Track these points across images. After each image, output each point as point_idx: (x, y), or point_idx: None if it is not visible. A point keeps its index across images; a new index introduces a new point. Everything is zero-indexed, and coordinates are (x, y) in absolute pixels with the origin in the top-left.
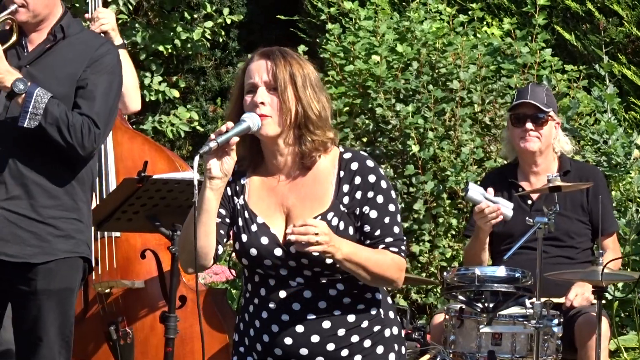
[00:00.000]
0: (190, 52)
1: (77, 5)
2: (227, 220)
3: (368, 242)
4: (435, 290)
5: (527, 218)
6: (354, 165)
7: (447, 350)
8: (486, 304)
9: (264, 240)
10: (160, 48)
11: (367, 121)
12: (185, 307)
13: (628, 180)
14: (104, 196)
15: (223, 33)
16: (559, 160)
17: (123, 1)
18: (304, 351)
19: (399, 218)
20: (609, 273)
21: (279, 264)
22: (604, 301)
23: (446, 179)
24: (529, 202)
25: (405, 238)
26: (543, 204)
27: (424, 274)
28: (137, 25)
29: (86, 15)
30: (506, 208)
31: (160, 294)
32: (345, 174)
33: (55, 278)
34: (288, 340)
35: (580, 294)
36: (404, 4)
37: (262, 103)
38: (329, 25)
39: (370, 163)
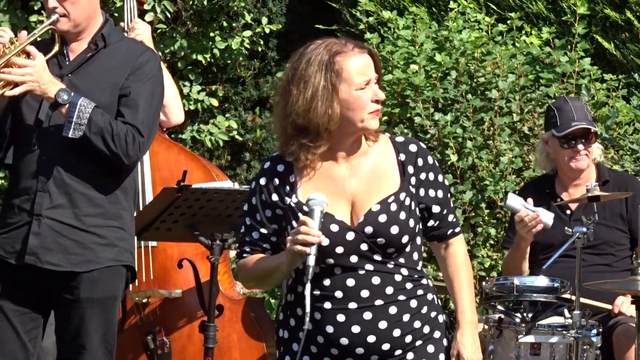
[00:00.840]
0: (228, 62)
1: (116, 15)
2: (265, 230)
3: (432, 222)
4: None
5: (566, 228)
6: (413, 148)
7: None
8: (525, 314)
9: (334, 227)
10: (199, 57)
11: (405, 130)
12: (222, 317)
13: None
14: (141, 206)
15: (262, 42)
16: (597, 169)
17: (160, 9)
18: (371, 338)
19: (451, 202)
20: None
21: (350, 250)
22: None
23: (485, 189)
24: (568, 212)
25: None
26: (582, 213)
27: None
28: (175, 34)
29: (121, 24)
30: (546, 217)
31: (197, 303)
32: (407, 156)
33: (98, 286)
34: (355, 329)
35: (627, 301)
36: (442, 13)
37: (381, 97)
38: (368, 35)
39: (423, 145)
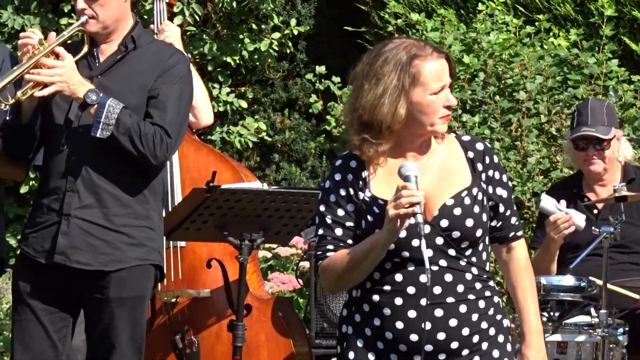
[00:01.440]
0: (257, 64)
1: (146, 17)
2: (349, 223)
3: (495, 222)
4: (502, 299)
5: (593, 228)
6: (480, 146)
7: (514, 359)
8: (552, 313)
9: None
10: (228, 59)
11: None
12: (251, 316)
13: None
14: (170, 207)
15: (290, 44)
16: (623, 169)
17: (189, 12)
18: (441, 336)
19: (513, 201)
20: None
21: (426, 243)
22: None
23: (512, 189)
24: (595, 211)
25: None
26: (609, 213)
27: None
28: (205, 36)
29: (151, 26)
30: (578, 219)
31: (226, 302)
32: (475, 154)
33: (127, 286)
34: (427, 325)
35: None
36: (470, 15)
37: (454, 103)
38: (396, 36)
39: (487, 145)
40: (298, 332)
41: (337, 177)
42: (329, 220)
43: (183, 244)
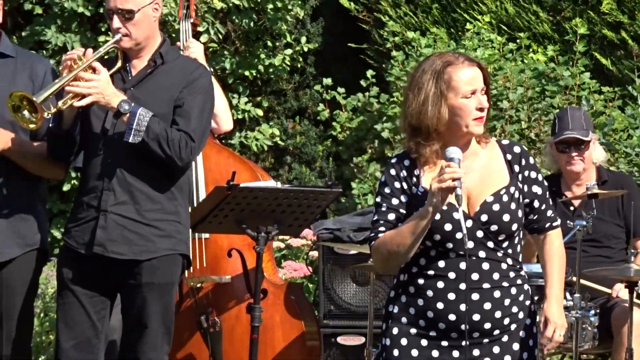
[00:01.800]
0: (272, 76)
1: (174, 35)
2: (403, 210)
3: (532, 216)
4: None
5: (568, 221)
6: (517, 149)
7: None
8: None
9: (456, 215)
10: (246, 73)
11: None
12: (267, 300)
13: None
14: (195, 203)
15: (301, 59)
16: (597, 170)
17: (214, 31)
18: (476, 317)
19: (549, 198)
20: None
21: (468, 236)
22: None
23: None
24: (572, 208)
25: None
26: (583, 209)
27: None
28: (225, 52)
29: (177, 44)
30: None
31: (244, 287)
32: (513, 156)
33: (157, 273)
34: (463, 307)
35: (620, 289)
36: (459, 33)
37: (486, 106)
38: (394, 53)
39: (523, 148)
40: (308, 313)
41: (392, 172)
42: (383, 208)
43: (207, 235)
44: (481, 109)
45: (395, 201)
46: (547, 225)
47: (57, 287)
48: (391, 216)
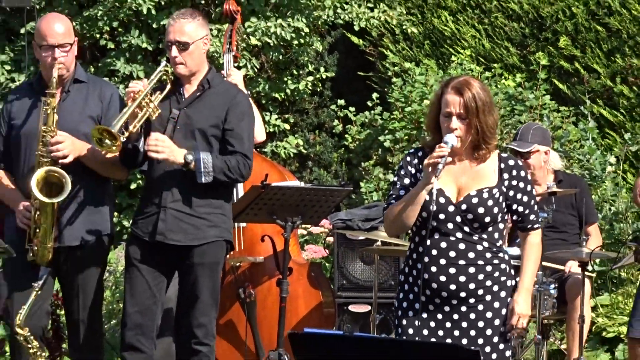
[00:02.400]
0: (297, 98)
1: (219, 66)
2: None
3: (516, 217)
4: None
5: None
6: (511, 162)
7: None
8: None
9: (442, 199)
10: (276, 95)
11: (420, 145)
12: (292, 276)
13: (603, 188)
14: (235, 199)
15: (320, 85)
16: (555, 173)
17: (250, 65)
18: (452, 287)
19: (536, 200)
20: (590, 252)
21: (449, 218)
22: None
23: None
24: None
25: (538, 215)
26: (544, 204)
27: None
28: (260, 79)
29: (222, 72)
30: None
31: (274, 266)
32: (506, 166)
33: (207, 255)
34: (442, 278)
35: (575, 264)
36: (446, 64)
37: (456, 129)
38: (394, 79)
39: (520, 163)
40: (325, 287)
41: (408, 159)
42: (397, 185)
43: (244, 224)
44: (449, 131)
45: (406, 180)
46: (529, 226)
47: (125, 265)
48: (402, 192)
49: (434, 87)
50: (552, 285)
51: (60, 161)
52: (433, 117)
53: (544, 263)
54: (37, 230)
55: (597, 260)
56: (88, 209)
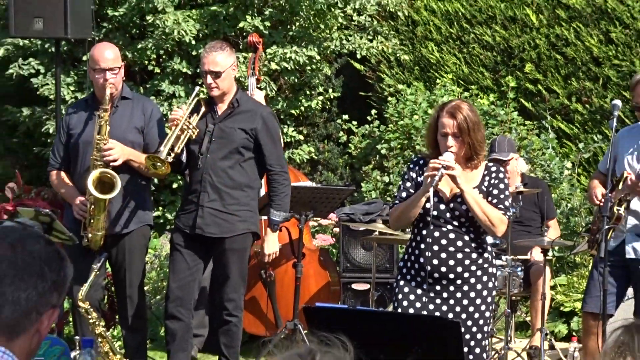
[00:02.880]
0: (309, 114)
1: (245, 87)
2: (412, 191)
3: None
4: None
5: None
6: (494, 168)
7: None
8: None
9: (435, 198)
10: (292, 111)
11: (411, 153)
12: (305, 259)
13: (561, 188)
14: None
15: (329, 103)
16: (522, 176)
17: (270, 88)
18: (443, 269)
19: (508, 198)
20: (551, 241)
21: (441, 214)
22: (548, 257)
23: None
24: None
25: (509, 209)
26: (513, 201)
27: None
28: (279, 98)
29: (247, 92)
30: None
31: (290, 251)
32: (488, 171)
33: (236, 243)
34: (435, 262)
35: (537, 252)
36: (432, 86)
37: (451, 146)
38: (389, 98)
39: (501, 169)
40: (332, 269)
41: (411, 166)
42: (402, 188)
43: (265, 217)
44: (446, 149)
45: (408, 184)
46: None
47: (169, 250)
48: (404, 194)
49: (422, 105)
50: (520, 269)
51: (111, 164)
52: (432, 136)
53: (513, 257)
54: (92, 221)
55: (557, 248)
56: (132, 203)
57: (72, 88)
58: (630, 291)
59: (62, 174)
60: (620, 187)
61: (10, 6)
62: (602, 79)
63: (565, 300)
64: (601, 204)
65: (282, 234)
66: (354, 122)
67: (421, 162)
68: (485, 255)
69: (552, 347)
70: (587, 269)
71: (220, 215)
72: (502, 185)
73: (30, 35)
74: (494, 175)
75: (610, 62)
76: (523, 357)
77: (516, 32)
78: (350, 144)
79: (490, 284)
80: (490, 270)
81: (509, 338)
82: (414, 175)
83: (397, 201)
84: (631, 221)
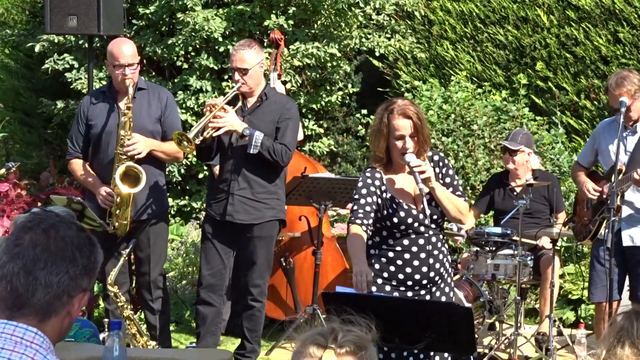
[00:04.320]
0: (329, 108)
1: (268, 80)
2: (374, 207)
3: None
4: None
5: (514, 201)
6: (436, 157)
7: (468, 273)
8: (490, 248)
9: (414, 211)
10: (313, 106)
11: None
12: (323, 247)
13: (570, 182)
14: None
15: (348, 97)
16: (532, 170)
17: (294, 81)
18: (432, 274)
19: (459, 183)
20: (559, 232)
21: (419, 223)
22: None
23: (469, 179)
24: (515, 193)
25: (463, 192)
26: (523, 193)
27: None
28: (301, 93)
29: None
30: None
31: (309, 240)
32: (435, 163)
33: (264, 230)
34: (424, 269)
35: (547, 241)
36: (447, 82)
37: (409, 147)
38: (406, 94)
39: (441, 155)
40: (349, 256)
41: (367, 175)
42: (362, 202)
43: (285, 207)
44: (404, 151)
45: (369, 199)
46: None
47: (201, 237)
48: (367, 208)
49: (437, 101)
50: (529, 258)
51: (136, 157)
52: (383, 141)
53: (523, 240)
54: (118, 210)
55: (565, 238)
56: (153, 190)
57: (104, 82)
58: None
59: (82, 162)
60: (614, 179)
61: (46, 4)
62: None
63: (573, 288)
64: (594, 197)
65: (301, 222)
66: (372, 117)
67: (377, 174)
68: (448, 256)
69: (560, 334)
70: None
71: (249, 203)
72: (451, 172)
73: (65, 32)
74: (440, 164)
75: (617, 61)
76: (532, 343)
77: (528, 32)
78: (368, 138)
79: (452, 285)
80: (450, 271)
81: (518, 324)
82: (373, 188)
83: (359, 216)
84: (626, 211)
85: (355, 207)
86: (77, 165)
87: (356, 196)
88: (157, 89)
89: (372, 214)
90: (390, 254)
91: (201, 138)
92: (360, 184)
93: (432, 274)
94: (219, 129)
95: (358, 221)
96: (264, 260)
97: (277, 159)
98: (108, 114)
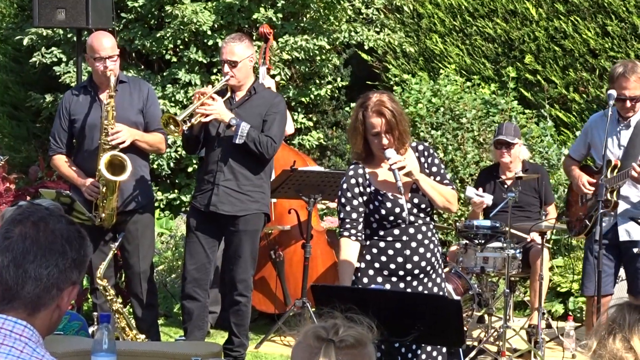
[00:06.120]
0: (319, 101)
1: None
2: (362, 209)
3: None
4: (451, 233)
5: (503, 194)
6: (421, 147)
7: (457, 266)
8: (480, 241)
9: (401, 201)
10: (303, 99)
11: (415, 140)
12: (313, 240)
13: (559, 174)
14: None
15: (337, 91)
16: (522, 162)
17: (283, 74)
18: (423, 263)
19: (446, 172)
20: (548, 225)
21: (408, 213)
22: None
23: (458, 172)
24: (505, 186)
25: (451, 181)
26: (512, 186)
27: (445, 224)
28: (290, 86)
29: (259, 81)
30: (488, 199)
31: (299, 233)
32: (420, 153)
33: (249, 223)
34: (416, 258)
35: (536, 235)
36: (436, 75)
37: (385, 144)
38: (395, 88)
39: (426, 145)
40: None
41: (350, 174)
42: (347, 209)
43: (274, 200)
44: (382, 147)
45: (355, 202)
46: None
47: (185, 231)
48: (354, 215)
49: (426, 94)
50: (518, 251)
51: (120, 146)
52: (361, 138)
53: (512, 231)
54: (104, 201)
55: (554, 231)
56: (138, 180)
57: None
58: (622, 272)
59: (66, 158)
60: (610, 174)
61: None
62: (599, 70)
63: (562, 281)
64: (590, 192)
65: (290, 216)
66: None
67: (360, 171)
68: (436, 242)
69: (549, 326)
70: (582, 251)
71: (234, 195)
72: (437, 161)
73: (53, 25)
74: (425, 154)
75: (606, 54)
76: (521, 335)
77: (517, 25)
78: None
79: (443, 275)
80: (440, 261)
81: (507, 317)
82: (357, 189)
83: (347, 226)
84: (622, 205)
85: (342, 216)
86: (60, 160)
87: (342, 200)
88: (138, 82)
89: (361, 218)
90: (382, 244)
91: (189, 124)
92: (344, 186)
93: (423, 263)
94: (206, 116)
95: (346, 233)
96: (249, 254)
97: (263, 150)
98: (90, 108)
